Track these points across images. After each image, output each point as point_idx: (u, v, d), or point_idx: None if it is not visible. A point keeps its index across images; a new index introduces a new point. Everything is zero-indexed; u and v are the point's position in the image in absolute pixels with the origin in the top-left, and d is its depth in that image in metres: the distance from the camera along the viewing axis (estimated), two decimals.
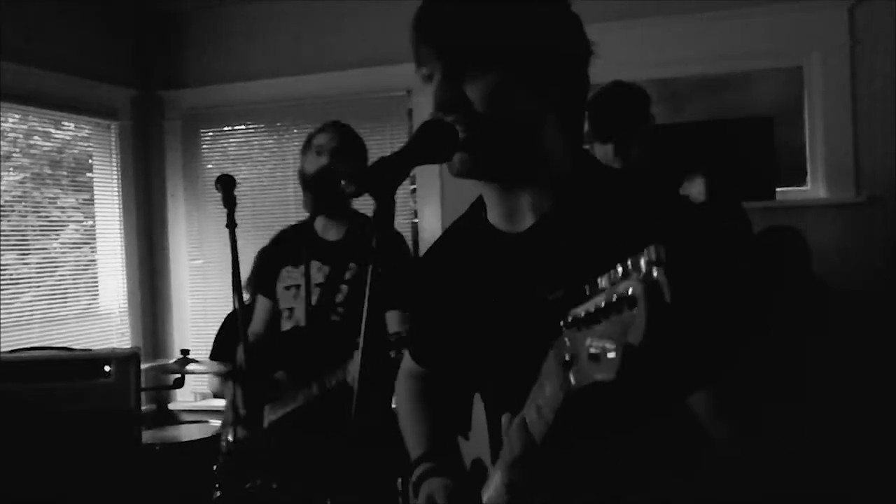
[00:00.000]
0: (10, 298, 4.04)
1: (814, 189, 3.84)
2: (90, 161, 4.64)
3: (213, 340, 3.52)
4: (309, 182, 2.67)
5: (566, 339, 0.89)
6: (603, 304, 0.81)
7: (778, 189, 3.72)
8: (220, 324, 3.54)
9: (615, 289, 0.79)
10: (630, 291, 0.77)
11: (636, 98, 2.59)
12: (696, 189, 2.52)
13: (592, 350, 0.84)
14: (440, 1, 1.11)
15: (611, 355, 0.80)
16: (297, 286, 2.67)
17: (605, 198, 1.11)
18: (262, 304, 2.88)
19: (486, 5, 1.08)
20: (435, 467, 1.33)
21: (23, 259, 4.19)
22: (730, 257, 1.09)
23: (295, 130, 4.67)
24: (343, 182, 0.98)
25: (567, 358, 0.89)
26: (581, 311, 0.85)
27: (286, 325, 2.72)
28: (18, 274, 4.14)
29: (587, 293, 0.84)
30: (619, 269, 0.78)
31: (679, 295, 0.74)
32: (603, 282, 0.82)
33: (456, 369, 1.33)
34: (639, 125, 2.54)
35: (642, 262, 0.77)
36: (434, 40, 1.10)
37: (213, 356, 3.37)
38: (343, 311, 2.60)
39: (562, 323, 0.88)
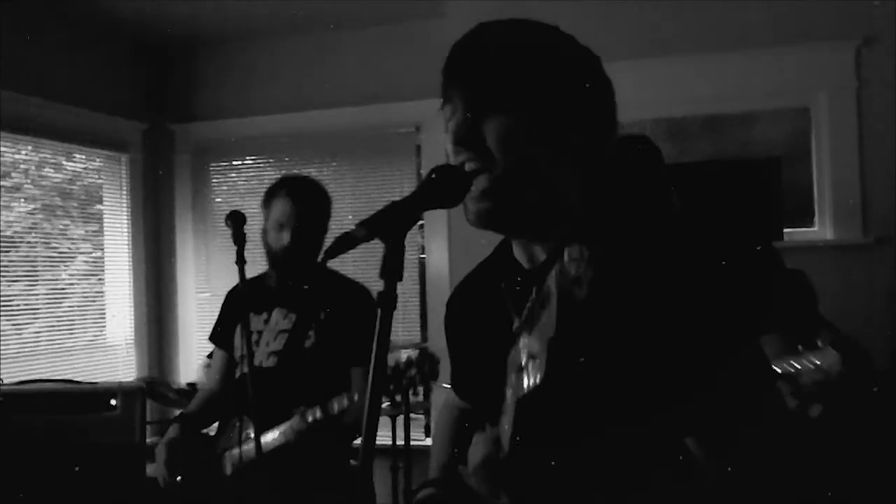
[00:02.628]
0: (18, 329, 4.05)
1: (821, 230, 3.84)
2: (100, 193, 4.68)
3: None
4: (278, 258, 2.69)
5: (520, 345, 0.89)
6: (531, 303, 0.82)
7: (785, 230, 3.72)
8: None
9: (544, 286, 0.80)
10: (552, 287, 0.78)
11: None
12: (827, 360, 2.34)
13: (532, 351, 0.85)
14: (471, 42, 1.14)
15: (540, 357, 0.80)
16: (260, 332, 2.67)
17: (611, 242, 1.11)
18: (218, 357, 2.87)
19: (513, 51, 1.10)
20: (438, 495, 1.34)
21: (31, 290, 4.20)
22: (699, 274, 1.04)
23: (304, 165, 4.70)
24: (352, 234, 0.99)
25: (521, 364, 0.89)
26: (524, 313, 0.86)
27: (243, 370, 2.65)
28: (26, 304, 4.16)
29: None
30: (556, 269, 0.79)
31: (601, 291, 0.72)
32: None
33: (481, 404, 1.34)
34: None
35: (565, 258, 0.77)
36: (458, 79, 1.12)
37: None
38: (310, 357, 2.58)
39: (513, 328, 0.88)
